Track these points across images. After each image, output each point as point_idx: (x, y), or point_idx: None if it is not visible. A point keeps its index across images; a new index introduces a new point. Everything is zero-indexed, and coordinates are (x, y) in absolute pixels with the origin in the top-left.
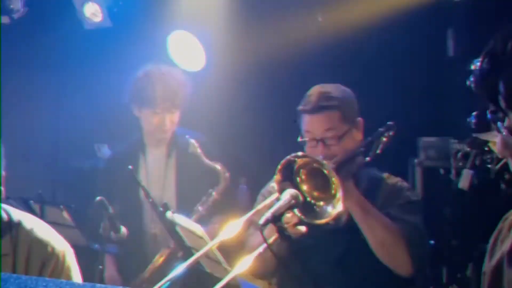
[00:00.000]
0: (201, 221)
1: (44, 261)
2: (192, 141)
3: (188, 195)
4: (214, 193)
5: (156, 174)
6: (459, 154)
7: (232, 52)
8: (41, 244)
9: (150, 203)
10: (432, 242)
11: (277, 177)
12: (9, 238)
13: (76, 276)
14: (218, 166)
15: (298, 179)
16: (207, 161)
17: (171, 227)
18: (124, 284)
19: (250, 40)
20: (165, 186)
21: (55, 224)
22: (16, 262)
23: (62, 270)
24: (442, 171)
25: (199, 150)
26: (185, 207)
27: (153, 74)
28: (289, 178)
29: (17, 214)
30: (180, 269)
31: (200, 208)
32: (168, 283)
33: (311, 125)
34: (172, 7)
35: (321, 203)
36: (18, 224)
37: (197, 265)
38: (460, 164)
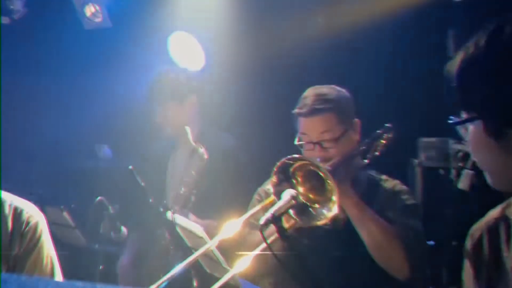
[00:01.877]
0: (186, 204)
1: (26, 224)
2: (187, 128)
3: (207, 192)
4: (193, 173)
5: (179, 171)
6: (459, 155)
7: (232, 53)
8: (23, 211)
9: (151, 204)
10: (432, 242)
11: (272, 179)
12: None
13: (49, 241)
14: (200, 147)
15: (294, 181)
16: (192, 143)
17: (171, 227)
18: (138, 274)
19: (249, 40)
20: (183, 181)
21: (55, 224)
22: (2, 226)
23: (41, 232)
24: (442, 171)
25: (189, 136)
26: (201, 202)
27: (151, 78)
28: (285, 180)
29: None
30: (178, 268)
31: (183, 189)
32: (166, 282)
33: (307, 128)
34: (172, 7)
35: (317, 205)
36: (1, 195)
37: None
38: (460, 164)
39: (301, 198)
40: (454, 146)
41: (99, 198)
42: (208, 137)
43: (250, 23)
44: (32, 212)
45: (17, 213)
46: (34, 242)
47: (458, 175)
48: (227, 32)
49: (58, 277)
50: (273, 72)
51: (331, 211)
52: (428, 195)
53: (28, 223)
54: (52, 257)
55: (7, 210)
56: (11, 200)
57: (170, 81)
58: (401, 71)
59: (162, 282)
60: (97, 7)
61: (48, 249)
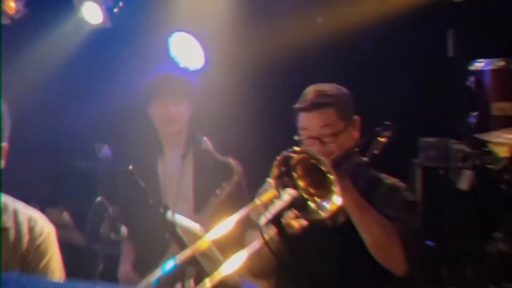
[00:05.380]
0: (215, 214)
1: (40, 234)
2: (204, 138)
3: (204, 192)
4: (227, 187)
5: (173, 174)
6: (459, 155)
7: (232, 53)
8: (37, 221)
9: (151, 204)
10: (432, 242)
11: (273, 172)
12: (7, 214)
13: (58, 250)
14: (231, 161)
15: (295, 174)
16: (219, 156)
17: (171, 228)
18: (141, 278)
19: (249, 40)
20: (181, 184)
21: (55, 224)
22: (18, 234)
23: (52, 242)
24: (442, 171)
25: (210, 146)
26: (202, 205)
27: (157, 73)
28: (286, 174)
29: (9, 198)
30: (170, 264)
31: (214, 200)
32: (158, 278)
33: (308, 122)
34: (171, 7)
35: (318, 199)
36: (15, 205)
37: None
38: (460, 164)
39: (302, 193)
40: (454, 146)
41: (99, 198)
42: (196, 140)
43: (250, 22)
44: (45, 223)
45: (32, 223)
46: (47, 251)
47: (458, 175)
48: (227, 32)
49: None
50: (273, 72)
51: (333, 203)
52: (428, 195)
53: (42, 233)
54: (60, 271)
55: (22, 218)
56: (25, 210)
57: (183, 79)
58: (401, 71)
59: (153, 279)
60: (97, 7)
61: (58, 258)
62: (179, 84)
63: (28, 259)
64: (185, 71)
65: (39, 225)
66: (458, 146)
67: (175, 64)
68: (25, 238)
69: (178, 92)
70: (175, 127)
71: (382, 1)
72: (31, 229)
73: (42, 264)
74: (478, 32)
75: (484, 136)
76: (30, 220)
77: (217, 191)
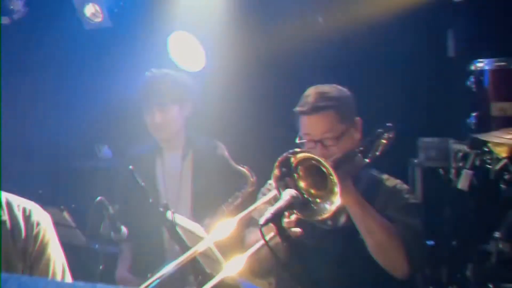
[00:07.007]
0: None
1: (37, 223)
2: (220, 144)
3: (205, 196)
4: (240, 196)
5: (173, 175)
6: (459, 155)
7: (232, 53)
8: (31, 210)
9: (151, 204)
10: (432, 242)
11: (275, 173)
12: (1, 207)
13: (56, 240)
14: (245, 170)
15: (295, 175)
16: (234, 164)
17: (171, 227)
18: (139, 279)
19: (250, 40)
20: (181, 186)
21: (55, 224)
22: (14, 226)
23: (50, 230)
24: (442, 171)
25: (226, 153)
26: (201, 207)
27: (146, 76)
28: (287, 174)
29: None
30: (170, 267)
31: (225, 208)
32: (158, 280)
33: (309, 126)
34: (172, 7)
35: (319, 200)
36: (7, 197)
37: (193, 263)
38: (460, 164)
39: (301, 194)
40: (454, 146)
41: (99, 198)
42: (195, 142)
43: (251, 22)
44: (40, 213)
45: (26, 215)
46: (46, 243)
47: (458, 175)
48: (227, 32)
49: (68, 276)
50: (274, 72)
51: (334, 204)
52: (428, 195)
53: (38, 224)
54: (61, 257)
55: (16, 211)
56: (18, 201)
57: (171, 84)
58: (401, 71)
59: (153, 281)
60: (97, 7)
61: (58, 249)
62: (166, 90)
63: (29, 250)
64: (178, 73)
65: (34, 214)
66: (458, 146)
67: (170, 66)
68: (22, 229)
69: (165, 98)
70: (163, 135)
71: (382, 1)
72: (26, 220)
73: (45, 254)
74: (478, 32)
75: (484, 136)
76: (24, 210)
77: (230, 199)
